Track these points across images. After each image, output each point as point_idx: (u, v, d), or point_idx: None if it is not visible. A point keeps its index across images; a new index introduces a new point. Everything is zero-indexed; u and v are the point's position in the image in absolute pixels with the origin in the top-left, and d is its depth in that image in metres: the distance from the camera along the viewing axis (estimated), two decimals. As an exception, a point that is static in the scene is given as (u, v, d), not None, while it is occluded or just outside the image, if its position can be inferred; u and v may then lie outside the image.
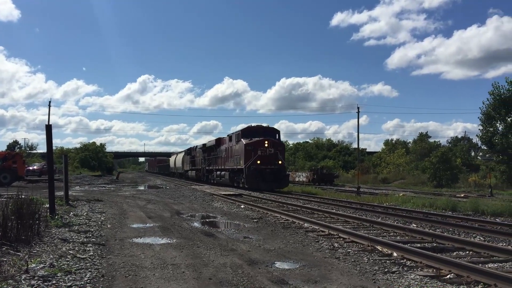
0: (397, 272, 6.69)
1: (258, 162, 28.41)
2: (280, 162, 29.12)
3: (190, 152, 52.77)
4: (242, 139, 30.12)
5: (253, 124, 31.65)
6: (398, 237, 10.02)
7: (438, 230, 11.09)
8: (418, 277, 6.44)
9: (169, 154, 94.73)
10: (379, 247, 8.45)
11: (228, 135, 34.52)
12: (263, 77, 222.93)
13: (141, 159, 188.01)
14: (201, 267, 6.85)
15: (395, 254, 7.89)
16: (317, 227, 11.28)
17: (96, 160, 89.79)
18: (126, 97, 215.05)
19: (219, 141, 37.39)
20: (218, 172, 36.44)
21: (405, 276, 6.47)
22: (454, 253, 8.24)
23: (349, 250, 8.37)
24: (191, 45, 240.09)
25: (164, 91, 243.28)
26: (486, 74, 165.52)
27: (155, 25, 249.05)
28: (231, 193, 24.62)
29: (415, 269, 6.92)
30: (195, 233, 10.30)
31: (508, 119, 37.30)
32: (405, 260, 7.50)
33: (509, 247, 8.64)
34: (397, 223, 12.26)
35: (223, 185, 34.03)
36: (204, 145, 42.95)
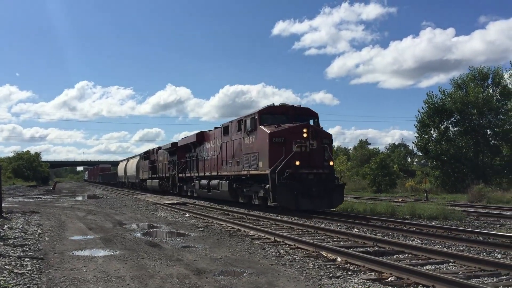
0: (342, 277, 6.85)
1: (297, 163, 16.84)
2: (331, 163, 18.03)
3: (148, 156, 41.99)
4: (261, 126, 18.15)
5: (276, 104, 19.54)
6: (341, 242, 10.27)
7: (379, 234, 11.48)
8: (361, 280, 6.63)
9: (115, 162, 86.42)
10: (324, 253, 8.62)
11: (222, 125, 22.74)
12: (207, 84, 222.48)
13: (79, 168, 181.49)
14: (146, 279, 6.70)
15: (339, 259, 8.08)
16: (263, 235, 11.35)
17: (30, 169, 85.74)
18: (63, 103, 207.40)
19: (201, 136, 26.51)
20: (204, 182, 24.70)
21: (349, 281, 6.64)
22: (395, 256, 8.54)
23: (295, 257, 8.48)
24: (133, 51, 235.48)
25: (104, 98, 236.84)
26: (420, 83, 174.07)
27: (96, 29, 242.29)
28: (175, 201, 24.27)
29: (358, 273, 7.12)
30: (139, 244, 10.06)
31: (441, 127, 39.35)
32: (349, 264, 7.70)
33: (445, 249, 9.08)
34: (340, 228, 12.56)
35: (215, 200, 24.15)
36: (174, 144, 32.23)
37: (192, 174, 27.66)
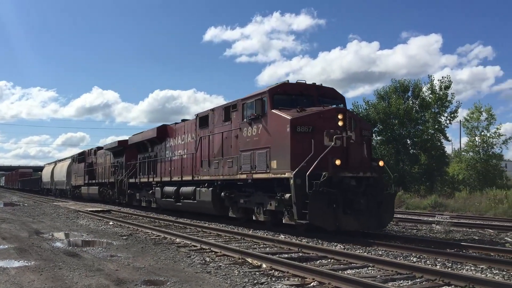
0: (266, 283, 6.89)
1: (338, 163, 11.71)
2: (381, 163, 12.99)
3: (83, 158, 35.61)
4: (275, 111, 12.95)
5: (290, 81, 14.32)
6: (267, 249, 10.35)
7: (304, 240, 11.69)
8: (285, 286, 6.71)
9: (38, 167, 77.76)
10: (249, 259, 8.64)
11: (198, 115, 17.65)
12: (136, 88, 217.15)
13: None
14: (62, 291, 6.35)
15: (264, 265, 8.13)
16: (189, 242, 11.18)
17: None
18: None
19: (163, 131, 21.30)
20: (169, 189, 19.50)
21: (273, 287, 6.69)
22: (318, 262, 8.74)
23: (220, 264, 8.42)
24: (57, 51, 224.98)
25: (23, 100, 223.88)
26: (346, 93, 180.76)
27: (16, 27, 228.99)
28: (99, 209, 23.36)
29: (282, 279, 7.19)
30: (56, 254, 9.54)
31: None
32: (273, 270, 7.77)
33: (365, 254, 9.42)
34: (266, 235, 12.66)
35: (188, 214, 18.90)
36: (121, 142, 27.05)
37: (150, 179, 22.03)
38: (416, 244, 10.62)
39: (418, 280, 7.12)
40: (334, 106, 13.37)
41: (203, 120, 17.22)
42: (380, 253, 9.75)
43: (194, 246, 10.68)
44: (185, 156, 18.62)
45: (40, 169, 64.49)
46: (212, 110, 16.62)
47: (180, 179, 18.68)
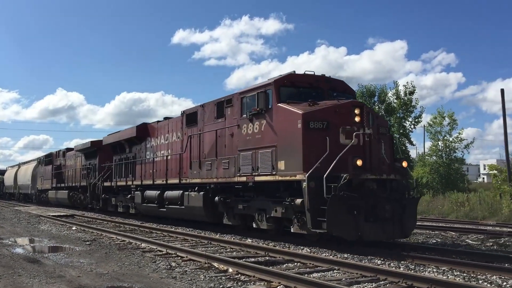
0: (232, 288, 6.85)
1: (359, 163, 10.46)
2: (404, 163, 11.61)
3: (51, 160, 33.74)
4: (282, 104, 11.60)
5: (297, 72, 12.65)
6: (234, 253, 10.31)
7: (271, 244, 11.70)
8: (251, 291, 6.67)
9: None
10: (215, 264, 8.58)
11: (185, 112, 16.23)
12: (102, 90, 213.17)
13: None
14: (21, 299, 6.14)
15: (230, 269, 8.09)
16: (154, 247, 11.02)
17: None
18: None
19: (143, 130, 19.69)
20: (151, 193, 17.73)
21: (239, 291, 6.65)
22: (284, 265, 8.75)
23: (186, 269, 8.33)
24: (20, 51, 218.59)
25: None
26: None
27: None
28: (62, 214, 22.77)
29: (248, 283, 7.17)
30: (16, 260, 9.22)
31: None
32: (239, 275, 7.73)
33: (331, 257, 9.50)
34: (233, 239, 12.62)
35: (174, 221, 17.37)
36: (95, 143, 25.34)
37: (129, 183, 20.17)
38: (380, 247, 10.76)
39: (382, 282, 7.22)
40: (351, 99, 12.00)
41: (190, 117, 15.75)
42: (346, 256, 9.84)
43: (160, 251, 10.53)
44: (170, 157, 17.12)
45: (1, 172, 61.63)
46: (202, 106, 15.17)
47: (164, 182, 17.10)
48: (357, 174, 10.33)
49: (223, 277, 7.58)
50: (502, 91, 29.94)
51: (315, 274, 7.85)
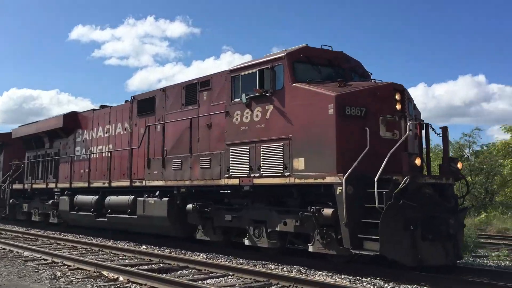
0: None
1: (418, 162, 8.33)
2: (459, 164, 9.09)
3: None
4: (300, 84, 9.04)
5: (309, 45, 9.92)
6: (127, 260, 9.92)
7: (166, 250, 11.43)
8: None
9: None
10: (105, 272, 8.18)
11: (135, 98, 13.52)
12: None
13: None
14: None
15: (121, 278, 7.76)
16: (39, 255, 10.26)
17: None
18: None
19: (72, 120, 16.30)
20: (86, 198, 14.61)
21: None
22: (179, 272, 8.58)
23: (72, 279, 7.83)
24: None
25: None
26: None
27: None
28: None
29: (139, 292, 6.90)
30: None
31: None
32: (130, 283, 7.45)
33: (226, 262, 9.50)
34: (128, 245, 12.15)
35: (116, 235, 14.12)
36: (2, 136, 21.52)
37: (51, 185, 16.65)
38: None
39: (274, 286, 7.36)
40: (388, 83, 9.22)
41: (144, 104, 12.95)
42: (241, 261, 9.88)
43: (45, 259, 9.83)
44: (113, 154, 13.93)
45: None
46: (162, 90, 12.42)
47: (107, 185, 13.82)
48: (415, 177, 7.94)
49: (112, 286, 7.25)
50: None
51: (209, 281, 7.78)
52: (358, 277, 7.97)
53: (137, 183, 12.67)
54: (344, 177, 7.81)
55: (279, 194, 9.59)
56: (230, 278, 8.01)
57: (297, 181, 8.74)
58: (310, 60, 9.66)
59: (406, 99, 9.07)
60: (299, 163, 8.76)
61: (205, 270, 8.67)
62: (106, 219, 13.55)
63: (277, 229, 9.28)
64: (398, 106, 8.82)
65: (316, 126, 8.58)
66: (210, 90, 10.99)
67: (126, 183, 13.07)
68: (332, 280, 7.72)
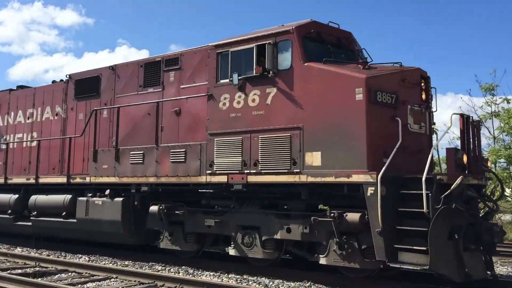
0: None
1: (465, 159, 7.25)
2: (489, 162, 8.63)
3: None
4: (313, 63, 7.67)
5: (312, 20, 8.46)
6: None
7: (44, 253, 10.69)
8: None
9: None
10: (-32, 278, 7.39)
11: (71, 77, 11.31)
12: None
13: None
14: None
15: (-12, 284, 7.08)
16: None
17: None
18: None
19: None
20: (3, 197, 12.00)
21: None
22: (57, 276, 8.14)
23: None
24: None
25: None
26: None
27: None
28: None
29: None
30: None
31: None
32: (-2, 289, 6.82)
33: (110, 265, 9.15)
34: (2, 249, 11.18)
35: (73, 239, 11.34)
36: None
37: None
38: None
39: (159, 288, 7.21)
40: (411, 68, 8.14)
41: (85, 84, 10.93)
42: (127, 263, 9.52)
43: None
44: (41, 144, 11.63)
45: None
46: (111, 68, 10.50)
47: (33, 181, 11.51)
48: (464, 177, 6.84)
49: (-24, 294, 6.57)
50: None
51: (89, 284, 7.49)
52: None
53: (76, 180, 10.59)
54: (379, 176, 6.61)
55: (279, 194, 8.14)
56: (113, 281, 7.79)
57: (311, 179, 7.33)
58: (320, 37, 8.35)
59: (429, 88, 8.18)
60: (314, 158, 7.37)
61: (86, 273, 8.32)
62: (30, 223, 11.28)
63: (277, 236, 7.83)
64: (423, 96, 7.94)
65: (338, 114, 7.27)
66: (180, 70, 9.30)
67: (61, 180, 10.90)
68: (219, 280, 7.74)
